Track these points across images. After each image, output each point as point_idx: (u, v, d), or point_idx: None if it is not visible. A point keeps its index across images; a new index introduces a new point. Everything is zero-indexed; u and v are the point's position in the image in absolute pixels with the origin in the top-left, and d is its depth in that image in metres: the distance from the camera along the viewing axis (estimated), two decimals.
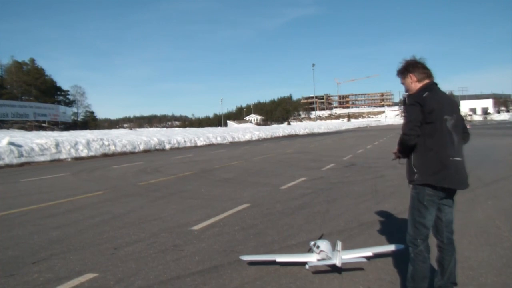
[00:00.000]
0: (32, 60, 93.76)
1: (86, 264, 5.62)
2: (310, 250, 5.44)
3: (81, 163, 23.29)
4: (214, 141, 43.07)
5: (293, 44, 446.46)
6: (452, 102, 4.05)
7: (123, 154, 29.82)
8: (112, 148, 29.73)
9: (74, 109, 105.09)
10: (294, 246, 6.12)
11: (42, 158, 23.98)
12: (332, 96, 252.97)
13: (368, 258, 5.30)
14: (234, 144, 41.72)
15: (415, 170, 4.00)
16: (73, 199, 10.84)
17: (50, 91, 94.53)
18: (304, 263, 5.14)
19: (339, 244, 5.19)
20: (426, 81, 4.10)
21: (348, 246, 5.76)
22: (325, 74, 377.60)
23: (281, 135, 62.13)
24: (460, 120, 4.08)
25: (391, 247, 5.60)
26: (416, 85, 4.13)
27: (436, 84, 4.13)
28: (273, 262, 5.32)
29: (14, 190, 13.15)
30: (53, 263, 5.68)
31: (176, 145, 36.53)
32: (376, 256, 5.48)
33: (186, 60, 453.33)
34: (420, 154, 3.99)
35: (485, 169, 13.74)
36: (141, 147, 32.36)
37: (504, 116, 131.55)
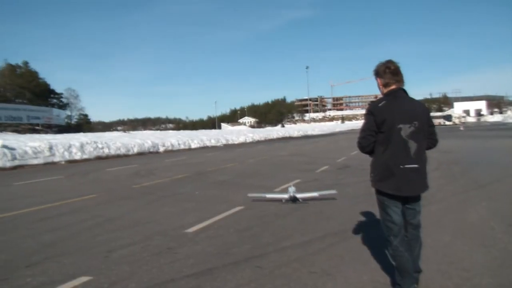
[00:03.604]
0: (26, 63, 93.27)
1: (79, 267, 5.60)
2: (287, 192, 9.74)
3: (74, 166, 23.21)
4: (208, 143, 42.97)
5: (288, 46, 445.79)
6: (413, 110, 4.12)
7: (117, 157, 29.73)
8: (106, 151, 29.62)
9: (68, 112, 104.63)
10: (288, 248, 6.11)
11: (35, 161, 23.88)
12: (326, 98, 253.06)
13: (315, 198, 9.82)
14: (228, 147, 41.67)
15: (371, 173, 4.31)
16: (67, 202, 10.80)
17: (43, 94, 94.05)
18: (281, 199, 9.73)
19: (294, 189, 9.77)
20: (393, 87, 4.20)
21: (343, 248, 5.96)
22: (319, 76, 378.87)
23: (275, 137, 62.06)
24: (425, 126, 4.17)
25: (332, 191, 10.08)
26: (383, 90, 4.29)
27: (402, 90, 4.23)
28: (264, 198, 9.97)
29: (7, 193, 13.11)
30: (46, 267, 5.66)
31: (170, 148, 36.44)
32: (322, 197, 9.87)
33: (180, 62, 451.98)
34: (374, 160, 4.27)
35: (479, 170, 13.80)
36: (135, 150, 32.28)
37: (497, 117, 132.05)
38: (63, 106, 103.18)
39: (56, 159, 25.29)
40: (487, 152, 21.60)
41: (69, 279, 5.11)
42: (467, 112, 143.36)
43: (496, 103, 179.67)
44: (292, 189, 9.73)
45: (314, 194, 9.97)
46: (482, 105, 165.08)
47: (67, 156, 26.10)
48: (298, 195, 9.64)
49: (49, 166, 23.77)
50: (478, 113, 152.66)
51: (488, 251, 5.59)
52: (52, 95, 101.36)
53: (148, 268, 5.44)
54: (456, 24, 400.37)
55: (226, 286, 4.77)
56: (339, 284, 4.70)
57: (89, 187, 14.02)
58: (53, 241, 7.04)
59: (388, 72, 4.18)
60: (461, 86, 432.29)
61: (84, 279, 5.12)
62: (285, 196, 9.70)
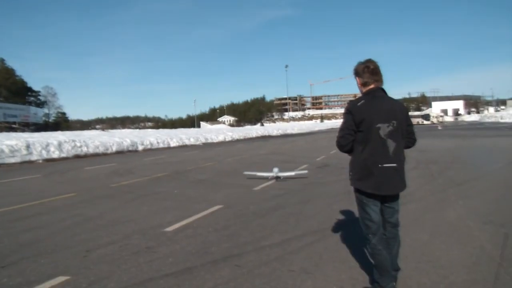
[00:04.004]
0: (2, 60, 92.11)
1: (57, 267, 5.55)
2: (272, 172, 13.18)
3: (52, 165, 22.96)
4: (187, 142, 42.79)
5: (267, 45, 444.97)
6: (391, 109, 4.14)
7: (96, 155, 29.47)
8: (85, 149, 29.34)
9: (46, 110, 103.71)
10: (267, 247, 6.12)
11: (12, 160, 23.55)
12: (305, 97, 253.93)
13: (293, 177, 13.30)
14: (207, 145, 41.56)
15: (349, 172, 4.33)
16: (45, 201, 10.70)
17: (20, 92, 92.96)
18: (268, 177, 13.06)
19: (277, 169, 13.16)
20: (371, 86, 4.22)
21: (322, 246, 6.02)
22: (299, 75, 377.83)
23: (254, 136, 62.08)
24: (403, 126, 4.20)
25: (304, 171, 13.92)
26: (362, 89, 4.31)
27: (381, 89, 4.24)
28: (255, 176, 13.55)
29: None
30: (23, 267, 5.60)
31: (149, 146, 36.24)
32: (297, 176, 13.40)
33: (160, 61, 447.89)
34: (353, 159, 4.29)
35: (457, 169, 13.97)
36: (114, 149, 32.03)
37: (474, 117, 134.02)
38: (40, 104, 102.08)
39: (34, 157, 24.97)
40: (464, 151, 21.85)
41: (46, 279, 5.07)
42: (445, 112, 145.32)
43: (473, 102, 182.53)
44: (276, 170, 13.27)
45: (292, 173, 13.65)
46: (459, 104, 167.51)
47: (44, 155, 25.80)
48: (280, 174, 13.22)
49: (26, 165, 23.48)
50: (456, 113, 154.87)
51: (465, 249, 5.68)
52: (29, 93, 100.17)
53: (127, 268, 5.41)
54: (435, 24, 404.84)
55: (205, 285, 4.76)
56: (318, 283, 4.72)
57: (68, 186, 13.89)
58: (30, 240, 6.97)
59: (367, 71, 4.19)
60: (439, 85, 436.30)
61: (62, 279, 5.08)
62: (271, 174, 13.26)
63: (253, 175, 13.81)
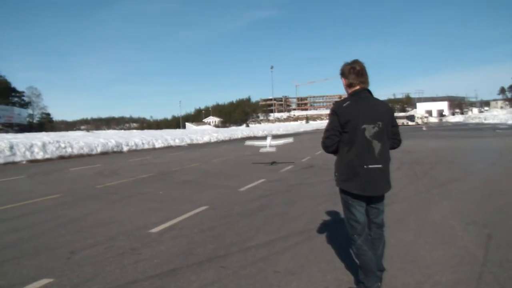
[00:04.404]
0: None
1: (41, 269, 5.50)
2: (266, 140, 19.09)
3: (36, 166, 22.75)
4: (172, 143, 42.63)
5: (252, 46, 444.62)
6: (377, 110, 4.15)
7: (80, 156, 29.27)
8: (69, 150, 29.12)
9: (30, 111, 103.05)
10: (253, 248, 6.12)
11: None
12: (290, 98, 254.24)
13: (281, 145, 20.26)
14: (192, 146, 41.40)
15: (335, 173, 4.34)
16: (28, 202, 10.60)
17: (4, 92, 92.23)
18: (261, 147, 19.17)
19: (270, 138, 19.39)
20: (357, 87, 4.23)
21: (307, 247, 6.03)
22: (284, 76, 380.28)
23: (239, 137, 61.94)
24: (388, 127, 4.22)
25: (290, 139, 21.56)
26: (347, 90, 4.33)
27: (367, 91, 4.25)
28: (253, 145, 21.08)
29: None
30: (5, 270, 5.54)
31: (134, 147, 36.07)
32: (284, 144, 20.95)
33: (145, 62, 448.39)
34: (338, 160, 4.31)
35: (441, 170, 14.06)
36: (99, 149, 31.83)
37: (458, 118, 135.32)
38: (24, 105, 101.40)
39: (17, 158, 24.74)
40: (448, 152, 21.96)
41: (29, 282, 5.02)
42: (429, 113, 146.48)
43: (457, 103, 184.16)
44: (269, 138, 18.53)
45: (281, 142, 19.90)
46: (444, 105, 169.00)
47: (28, 156, 25.57)
48: (272, 143, 18.73)
49: (10, 166, 23.26)
50: (440, 114, 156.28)
51: (448, 249, 5.71)
52: (13, 94, 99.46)
53: (111, 269, 5.38)
54: (420, 25, 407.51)
55: (190, 286, 4.75)
56: (303, 283, 4.73)
57: (52, 187, 13.79)
58: (13, 242, 6.90)
59: (353, 72, 4.20)
60: (424, 87, 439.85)
61: (45, 281, 5.04)
62: (265, 143, 18.58)
63: (252, 144, 20.54)
